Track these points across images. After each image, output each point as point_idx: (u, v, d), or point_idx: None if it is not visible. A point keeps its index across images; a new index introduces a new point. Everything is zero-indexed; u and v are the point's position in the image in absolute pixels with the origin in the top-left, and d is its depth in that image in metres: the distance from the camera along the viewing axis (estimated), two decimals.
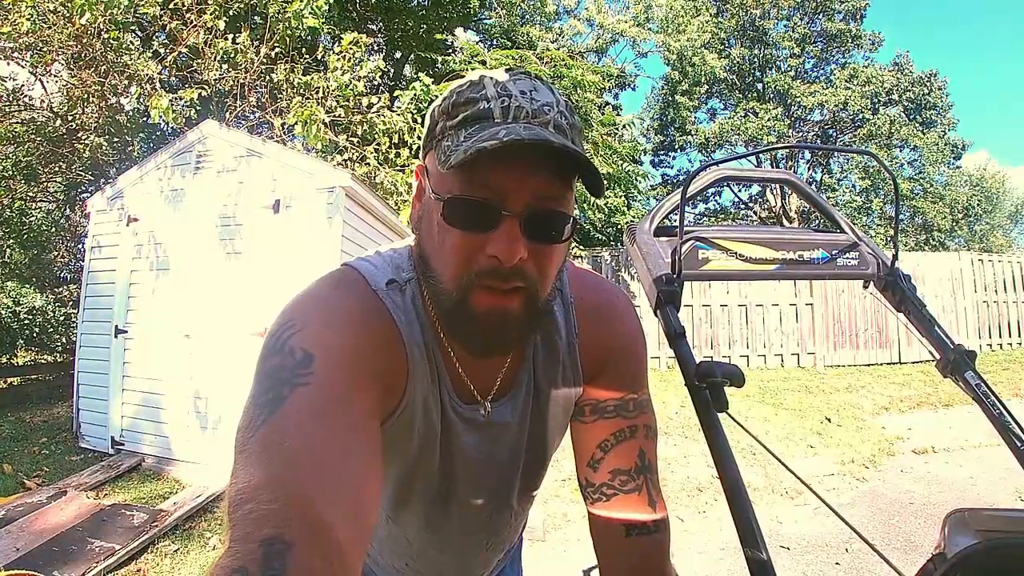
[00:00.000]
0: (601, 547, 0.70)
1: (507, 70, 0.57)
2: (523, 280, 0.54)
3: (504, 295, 0.54)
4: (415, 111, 5.81)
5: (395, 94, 5.98)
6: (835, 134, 18.96)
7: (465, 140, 0.51)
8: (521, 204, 0.52)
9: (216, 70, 5.70)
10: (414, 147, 5.67)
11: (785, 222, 17.93)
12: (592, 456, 0.70)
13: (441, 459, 0.68)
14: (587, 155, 0.52)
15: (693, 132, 19.18)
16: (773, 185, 16.10)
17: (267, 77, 5.97)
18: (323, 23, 5.86)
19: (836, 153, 20.32)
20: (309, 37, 6.65)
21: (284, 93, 5.84)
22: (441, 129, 0.56)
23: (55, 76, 6.29)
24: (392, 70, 12.62)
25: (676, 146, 20.41)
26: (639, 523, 0.67)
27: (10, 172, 6.42)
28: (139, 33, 7.08)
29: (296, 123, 4.80)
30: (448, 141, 0.54)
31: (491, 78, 0.55)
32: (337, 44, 6.73)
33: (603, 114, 8.55)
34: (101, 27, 5.29)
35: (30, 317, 6.06)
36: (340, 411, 0.49)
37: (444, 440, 0.67)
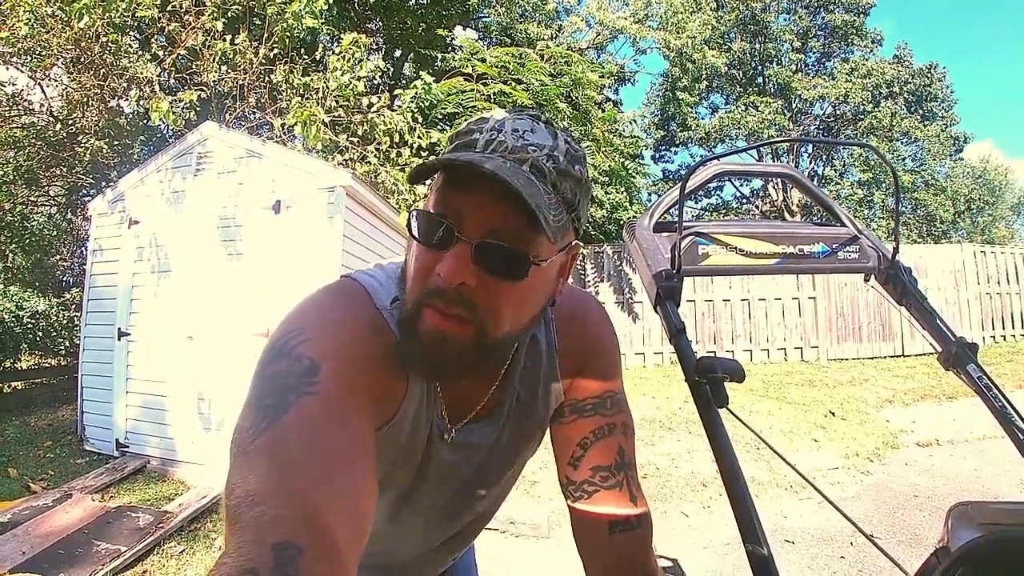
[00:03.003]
0: (584, 545, 0.72)
1: (519, 109, 0.58)
2: (468, 309, 0.53)
3: (447, 318, 0.53)
4: (415, 110, 5.79)
5: (395, 93, 5.96)
6: (836, 127, 18.90)
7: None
8: (477, 232, 0.52)
9: (215, 72, 5.69)
10: (415, 146, 5.67)
11: (787, 216, 17.88)
12: (572, 454, 0.72)
13: (417, 471, 0.69)
14: (544, 200, 0.51)
15: (694, 127, 19.15)
16: (774, 179, 16.04)
17: (266, 78, 5.96)
18: (322, 23, 5.84)
19: (837, 146, 20.22)
20: (308, 37, 6.64)
21: (284, 94, 5.83)
22: (440, 153, 0.59)
23: (54, 80, 6.30)
24: (392, 69, 12.61)
25: (677, 141, 20.40)
26: (622, 519, 0.68)
27: (11, 177, 6.42)
28: (137, 36, 7.06)
29: (296, 123, 4.79)
30: None
31: (496, 115, 0.57)
32: (336, 44, 6.71)
33: (603, 111, 8.51)
34: (99, 30, 5.29)
35: (33, 321, 6.08)
36: (344, 421, 0.50)
37: (424, 456, 0.68)
